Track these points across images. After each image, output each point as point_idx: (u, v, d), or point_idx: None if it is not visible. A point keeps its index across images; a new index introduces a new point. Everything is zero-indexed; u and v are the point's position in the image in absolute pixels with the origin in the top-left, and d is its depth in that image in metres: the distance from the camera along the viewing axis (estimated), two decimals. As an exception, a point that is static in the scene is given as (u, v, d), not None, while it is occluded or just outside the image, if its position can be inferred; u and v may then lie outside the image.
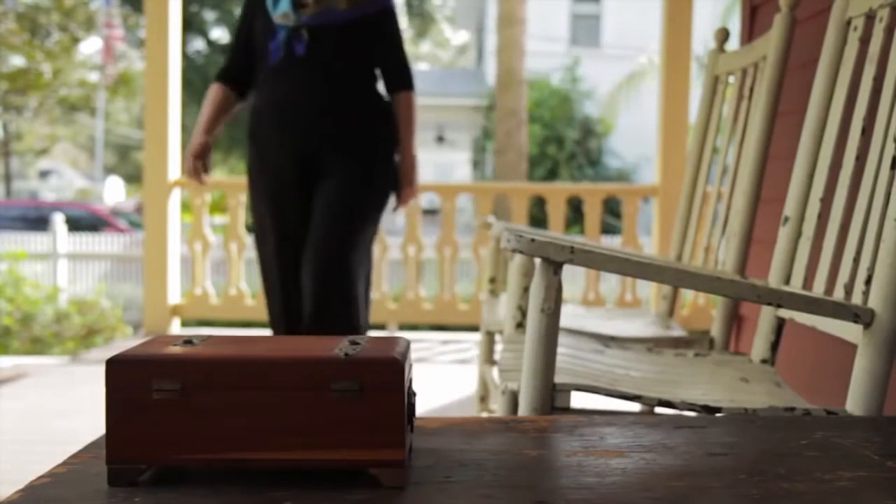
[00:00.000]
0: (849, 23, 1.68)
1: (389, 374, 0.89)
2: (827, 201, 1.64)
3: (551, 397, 1.35)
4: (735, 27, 3.65)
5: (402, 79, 3.01)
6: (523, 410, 1.34)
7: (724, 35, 2.43)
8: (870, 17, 1.62)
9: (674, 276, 1.36)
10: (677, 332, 2.29)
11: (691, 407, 1.38)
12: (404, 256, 5.70)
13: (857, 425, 1.23)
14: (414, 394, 0.97)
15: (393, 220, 17.40)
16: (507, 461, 1.00)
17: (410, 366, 0.96)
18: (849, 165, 1.58)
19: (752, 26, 3.40)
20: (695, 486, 0.91)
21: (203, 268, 5.68)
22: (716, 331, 2.12)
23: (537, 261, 1.33)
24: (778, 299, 1.37)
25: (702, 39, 10.70)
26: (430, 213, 12.33)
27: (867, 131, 1.54)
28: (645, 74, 14.70)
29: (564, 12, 18.03)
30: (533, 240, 1.31)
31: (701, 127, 2.43)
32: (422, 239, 5.67)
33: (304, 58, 2.87)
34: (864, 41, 1.63)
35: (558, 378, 1.38)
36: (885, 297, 1.36)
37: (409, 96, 3.01)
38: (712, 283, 1.37)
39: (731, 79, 2.33)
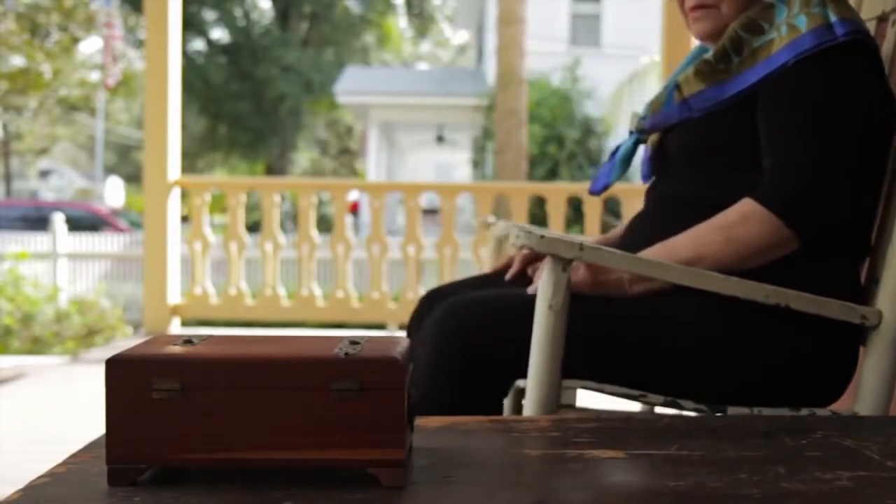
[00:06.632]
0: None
1: (389, 373, 0.89)
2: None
3: (558, 394, 1.35)
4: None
5: (769, 183, 1.41)
6: (529, 406, 1.34)
7: (724, 35, 2.42)
8: (882, 21, 1.62)
9: (682, 275, 1.35)
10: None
11: (695, 407, 1.38)
12: (404, 256, 5.70)
13: (858, 425, 1.23)
14: (414, 393, 0.97)
15: (393, 219, 17.32)
16: (507, 461, 1.00)
17: (411, 366, 0.96)
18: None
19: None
20: (695, 486, 0.91)
21: (203, 268, 5.68)
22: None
23: (546, 258, 1.33)
24: (786, 299, 1.37)
25: (702, 39, 10.68)
26: (429, 212, 12.32)
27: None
28: (646, 74, 14.69)
29: (564, 12, 18.01)
30: (542, 236, 1.31)
31: (701, 127, 2.42)
32: (422, 239, 5.67)
33: (654, 190, 1.68)
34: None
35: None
36: (893, 299, 1.36)
37: (760, 215, 1.38)
38: (721, 282, 1.36)
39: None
